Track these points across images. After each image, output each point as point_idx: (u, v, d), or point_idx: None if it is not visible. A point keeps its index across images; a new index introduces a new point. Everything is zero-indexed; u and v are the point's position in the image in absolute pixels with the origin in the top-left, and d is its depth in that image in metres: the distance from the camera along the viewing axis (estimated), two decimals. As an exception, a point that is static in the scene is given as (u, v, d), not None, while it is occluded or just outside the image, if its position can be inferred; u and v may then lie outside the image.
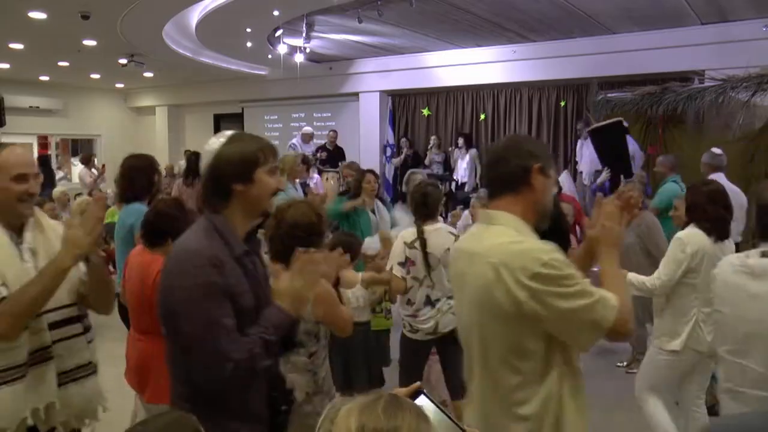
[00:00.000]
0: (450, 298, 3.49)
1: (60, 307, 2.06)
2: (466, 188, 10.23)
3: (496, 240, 1.73)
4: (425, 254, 3.52)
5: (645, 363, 3.44)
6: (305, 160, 7.95)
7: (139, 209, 3.45)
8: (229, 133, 1.82)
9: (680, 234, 3.22)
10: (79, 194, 9.29)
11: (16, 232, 2.04)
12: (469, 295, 1.78)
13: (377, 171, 10.90)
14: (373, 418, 0.97)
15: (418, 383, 1.26)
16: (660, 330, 3.32)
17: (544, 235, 1.80)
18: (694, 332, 3.15)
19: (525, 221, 1.77)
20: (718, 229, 3.14)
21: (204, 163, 1.79)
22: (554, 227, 1.91)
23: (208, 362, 1.65)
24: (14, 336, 1.89)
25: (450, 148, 10.85)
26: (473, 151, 10.46)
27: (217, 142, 1.79)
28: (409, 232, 3.62)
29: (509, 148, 1.85)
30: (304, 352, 2.45)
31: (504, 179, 1.80)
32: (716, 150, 5.82)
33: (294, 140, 10.65)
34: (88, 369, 2.18)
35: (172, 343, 1.76)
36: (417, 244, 3.54)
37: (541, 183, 1.77)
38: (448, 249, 3.44)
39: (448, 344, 3.45)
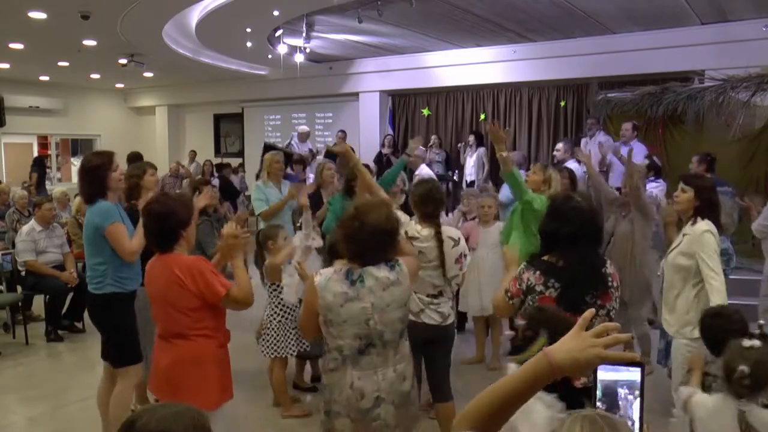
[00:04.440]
0: (435, 297, 3.38)
1: None
2: (475, 186, 10.13)
3: None
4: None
5: (675, 358, 3.40)
6: (300, 160, 7.95)
7: (102, 208, 3.39)
8: None
9: (711, 228, 3.27)
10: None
11: None
12: None
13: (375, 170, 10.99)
14: None
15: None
16: (683, 322, 3.34)
17: None
18: None
19: None
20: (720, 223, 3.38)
21: None
22: None
23: None
24: None
25: (459, 145, 10.67)
26: (482, 149, 10.32)
27: None
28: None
29: None
30: (375, 353, 2.41)
31: None
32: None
33: (291, 140, 10.66)
34: None
35: None
36: None
37: None
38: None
39: (435, 344, 3.35)
